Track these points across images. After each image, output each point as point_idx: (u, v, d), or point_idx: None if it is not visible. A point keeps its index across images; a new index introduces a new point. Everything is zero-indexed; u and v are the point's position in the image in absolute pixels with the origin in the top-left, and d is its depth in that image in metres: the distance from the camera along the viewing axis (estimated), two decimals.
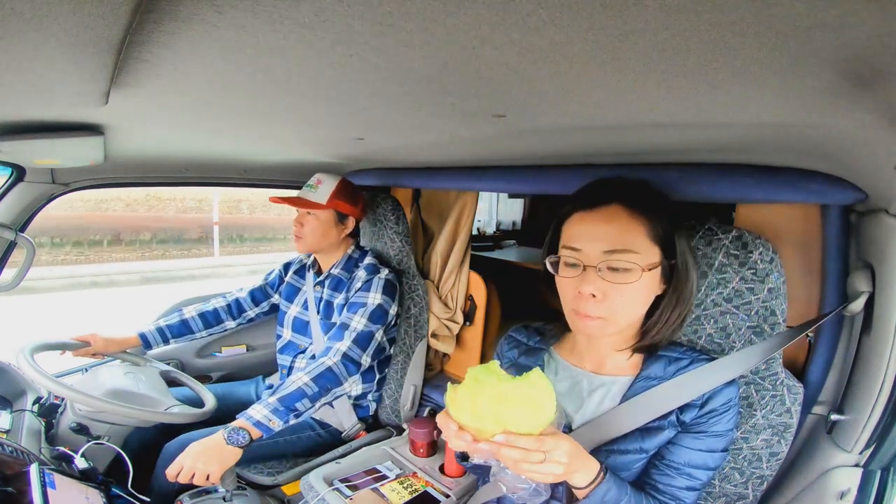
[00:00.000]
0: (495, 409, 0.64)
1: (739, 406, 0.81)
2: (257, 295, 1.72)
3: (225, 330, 1.70)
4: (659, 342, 0.83)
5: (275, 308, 1.73)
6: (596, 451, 0.79)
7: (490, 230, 3.55)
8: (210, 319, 1.66)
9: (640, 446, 0.79)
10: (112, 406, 1.19)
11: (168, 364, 1.64)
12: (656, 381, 0.80)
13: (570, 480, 0.72)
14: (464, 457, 0.87)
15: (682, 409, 0.78)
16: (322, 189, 1.49)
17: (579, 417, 0.84)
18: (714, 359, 0.81)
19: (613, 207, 0.76)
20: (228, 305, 1.69)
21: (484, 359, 1.62)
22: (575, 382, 0.87)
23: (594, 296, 0.74)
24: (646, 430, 0.79)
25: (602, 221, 0.76)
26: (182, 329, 1.62)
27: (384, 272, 1.50)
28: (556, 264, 0.80)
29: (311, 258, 1.65)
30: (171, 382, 1.52)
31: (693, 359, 0.82)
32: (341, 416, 1.54)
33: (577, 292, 0.76)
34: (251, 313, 1.72)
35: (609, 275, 0.74)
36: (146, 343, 1.55)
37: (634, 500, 0.75)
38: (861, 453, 0.80)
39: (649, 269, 0.75)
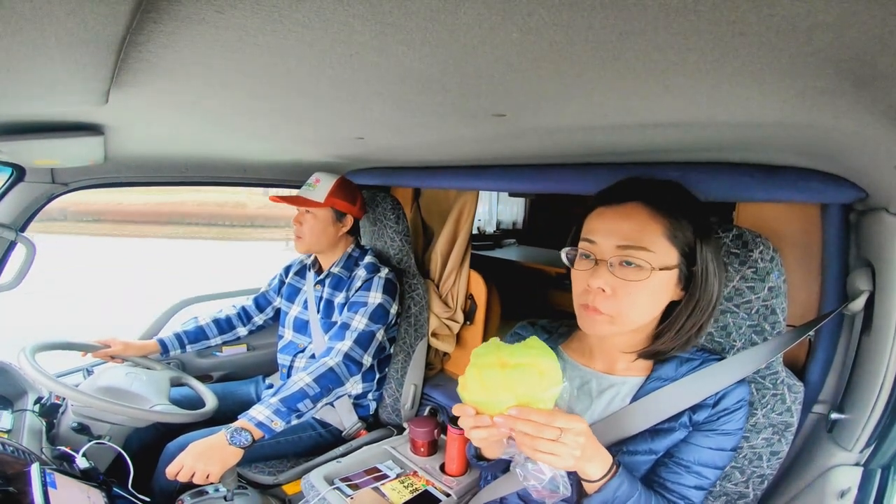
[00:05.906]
0: (502, 375, 0.66)
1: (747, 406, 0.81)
2: (261, 301, 1.76)
3: (238, 337, 1.75)
4: (667, 351, 0.80)
5: (280, 312, 1.75)
6: None
7: (490, 229, 3.54)
8: (224, 326, 1.71)
9: (650, 447, 0.79)
10: (98, 402, 1.21)
11: (169, 364, 1.64)
12: (668, 381, 0.80)
13: (583, 471, 0.71)
14: (479, 456, 0.87)
15: (695, 409, 0.78)
16: (320, 187, 1.50)
17: (588, 418, 0.83)
18: (724, 359, 0.81)
19: (634, 205, 0.75)
20: (238, 313, 1.74)
21: None
22: (584, 382, 0.86)
23: (603, 290, 0.73)
24: (655, 432, 0.79)
25: (619, 217, 0.75)
26: (198, 335, 1.66)
27: (384, 271, 1.50)
28: (572, 257, 0.79)
29: (312, 258, 1.65)
30: (174, 381, 1.53)
31: (704, 359, 0.81)
32: (342, 415, 1.54)
33: (587, 286, 0.75)
34: (258, 320, 1.76)
35: (620, 271, 0.73)
36: (164, 349, 1.59)
37: (645, 498, 0.74)
38: (861, 452, 0.80)
39: (661, 270, 0.73)
